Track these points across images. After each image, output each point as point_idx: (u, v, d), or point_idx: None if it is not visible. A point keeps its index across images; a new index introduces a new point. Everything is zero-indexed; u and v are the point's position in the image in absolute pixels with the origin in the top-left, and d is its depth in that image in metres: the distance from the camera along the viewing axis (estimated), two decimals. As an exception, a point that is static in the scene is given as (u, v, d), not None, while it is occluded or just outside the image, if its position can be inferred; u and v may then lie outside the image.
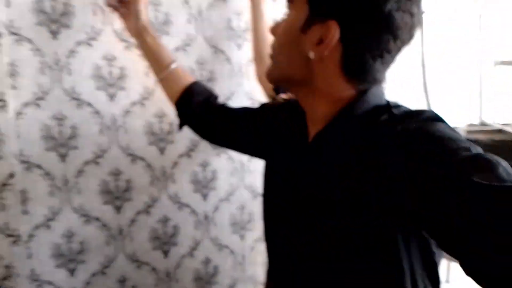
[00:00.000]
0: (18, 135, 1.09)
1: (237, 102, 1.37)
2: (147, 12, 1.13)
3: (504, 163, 0.50)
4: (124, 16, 1.14)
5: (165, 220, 1.31)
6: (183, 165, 1.34)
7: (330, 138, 0.69)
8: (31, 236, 1.12)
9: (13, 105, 1.08)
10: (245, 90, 1.41)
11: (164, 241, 1.31)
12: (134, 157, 1.25)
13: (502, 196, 0.45)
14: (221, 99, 1.14)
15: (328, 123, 0.69)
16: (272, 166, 0.87)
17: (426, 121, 0.61)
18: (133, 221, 1.26)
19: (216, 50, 1.35)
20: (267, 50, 0.82)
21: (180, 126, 1.13)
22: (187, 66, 1.29)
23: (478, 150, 0.54)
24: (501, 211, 0.44)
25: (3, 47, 1.03)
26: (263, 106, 1.01)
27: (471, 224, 0.46)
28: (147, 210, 1.28)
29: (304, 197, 0.73)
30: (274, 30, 0.75)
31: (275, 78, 0.76)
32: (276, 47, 0.74)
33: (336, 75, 0.66)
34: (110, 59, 1.20)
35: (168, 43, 1.24)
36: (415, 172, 0.55)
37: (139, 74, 1.23)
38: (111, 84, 1.20)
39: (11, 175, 1.05)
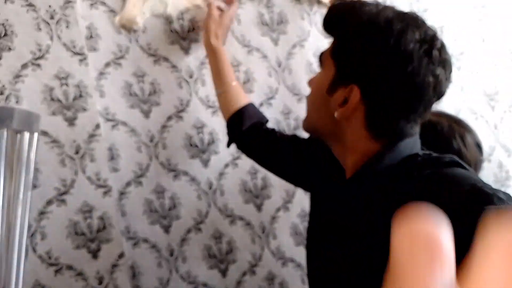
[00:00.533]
0: (124, 214, 1.13)
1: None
2: (226, 34, 1.14)
3: (501, 194, 0.53)
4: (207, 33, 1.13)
5: (271, 278, 1.27)
6: (282, 218, 1.29)
7: (357, 185, 0.71)
8: (145, 309, 1.15)
9: (116, 187, 1.12)
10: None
11: (272, 299, 1.27)
12: (233, 218, 1.24)
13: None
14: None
15: (354, 173, 0.71)
16: (314, 198, 0.90)
17: (442, 165, 0.63)
18: (239, 283, 1.24)
19: (301, 96, 1.30)
20: None
21: (228, 144, 1.10)
22: (273, 118, 1.26)
23: (487, 188, 0.56)
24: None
25: (101, 136, 1.08)
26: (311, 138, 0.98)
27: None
28: (252, 269, 1.25)
29: (333, 227, 0.77)
30: (309, 83, 0.78)
31: (307, 129, 0.79)
32: (308, 101, 0.78)
33: (362, 132, 0.68)
34: (199, 127, 1.21)
35: (253, 99, 1.22)
36: (413, 196, 0.58)
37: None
38: (203, 150, 1.21)
39: (121, 255, 1.09)
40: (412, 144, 0.69)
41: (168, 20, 1.17)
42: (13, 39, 0.99)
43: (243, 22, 1.24)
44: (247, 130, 1.03)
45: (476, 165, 0.98)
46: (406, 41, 0.61)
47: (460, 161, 0.64)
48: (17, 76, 1.00)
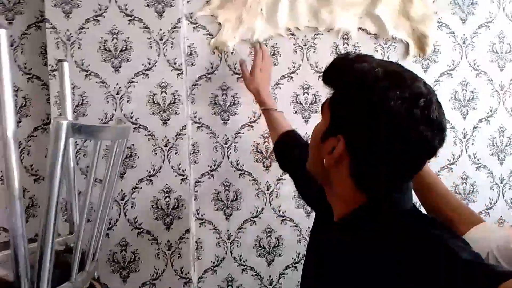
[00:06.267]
0: (196, 198, 1.32)
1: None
2: (263, 82, 1.23)
3: (467, 254, 0.53)
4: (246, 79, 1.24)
5: (309, 275, 1.37)
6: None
7: (341, 230, 0.70)
8: (200, 278, 1.33)
9: (193, 175, 1.31)
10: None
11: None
12: (284, 218, 1.35)
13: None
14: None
15: (340, 219, 0.70)
16: (315, 223, 0.90)
17: (419, 223, 0.62)
18: (282, 274, 1.36)
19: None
20: None
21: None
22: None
23: (454, 242, 0.55)
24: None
25: (185, 135, 1.25)
26: None
27: None
28: (294, 265, 1.36)
29: (318, 260, 0.77)
30: (314, 128, 0.76)
31: (308, 170, 0.76)
32: (309, 146, 0.76)
33: (347, 181, 0.66)
34: (267, 137, 1.33)
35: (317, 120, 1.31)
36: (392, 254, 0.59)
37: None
38: (266, 157, 1.33)
39: (187, 231, 1.27)
40: (401, 200, 0.66)
41: (253, 45, 1.30)
42: (131, 53, 1.21)
43: (319, 50, 1.32)
44: (283, 155, 1.11)
45: None
46: (387, 98, 0.59)
47: (440, 220, 0.63)
48: (130, 81, 1.21)
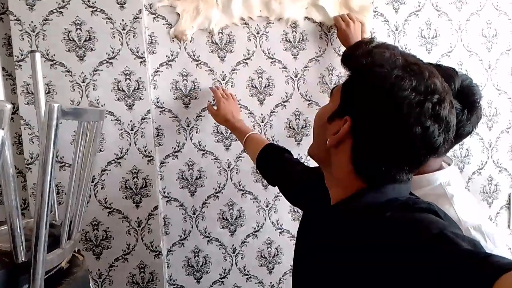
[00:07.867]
0: (162, 178, 1.43)
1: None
2: (234, 118, 1.34)
3: (467, 242, 0.51)
4: (214, 115, 1.38)
5: (269, 243, 1.53)
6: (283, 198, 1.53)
7: (337, 214, 0.71)
8: (169, 251, 1.45)
9: (158, 157, 1.41)
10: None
11: (268, 260, 1.53)
12: (244, 192, 1.50)
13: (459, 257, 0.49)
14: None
15: (336, 203, 0.71)
16: (303, 218, 0.90)
17: (415, 210, 0.61)
18: (243, 243, 1.51)
19: (311, 102, 1.51)
20: None
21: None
22: (285, 118, 1.49)
23: (452, 230, 0.53)
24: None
25: (150, 119, 1.36)
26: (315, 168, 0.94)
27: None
28: (254, 234, 1.51)
29: (313, 246, 0.76)
30: (318, 111, 0.77)
31: (309, 153, 0.79)
32: (313, 128, 0.77)
33: (347, 166, 0.67)
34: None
35: (271, 101, 1.47)
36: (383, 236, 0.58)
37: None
38: (226, 137, 1.46)
39: (156, 207, 1.38)
40: (400, 190, 0.66)
41: (210, 34, 1.41)
42: (94, 42, 1.28)
43: (270, 38, 1.46)
44: (267, 167, 1.15)
45: None
46: (400, 88, 0.59)
47: (436, 209, 0.62)
48: (95, 70, 1.29)
